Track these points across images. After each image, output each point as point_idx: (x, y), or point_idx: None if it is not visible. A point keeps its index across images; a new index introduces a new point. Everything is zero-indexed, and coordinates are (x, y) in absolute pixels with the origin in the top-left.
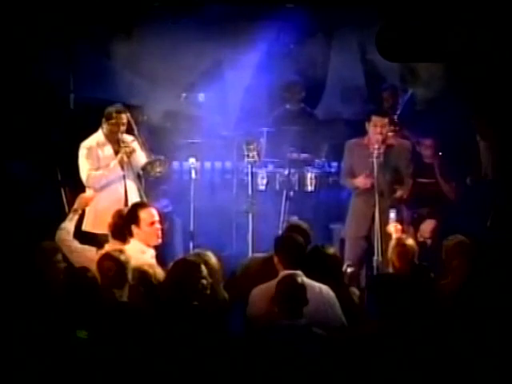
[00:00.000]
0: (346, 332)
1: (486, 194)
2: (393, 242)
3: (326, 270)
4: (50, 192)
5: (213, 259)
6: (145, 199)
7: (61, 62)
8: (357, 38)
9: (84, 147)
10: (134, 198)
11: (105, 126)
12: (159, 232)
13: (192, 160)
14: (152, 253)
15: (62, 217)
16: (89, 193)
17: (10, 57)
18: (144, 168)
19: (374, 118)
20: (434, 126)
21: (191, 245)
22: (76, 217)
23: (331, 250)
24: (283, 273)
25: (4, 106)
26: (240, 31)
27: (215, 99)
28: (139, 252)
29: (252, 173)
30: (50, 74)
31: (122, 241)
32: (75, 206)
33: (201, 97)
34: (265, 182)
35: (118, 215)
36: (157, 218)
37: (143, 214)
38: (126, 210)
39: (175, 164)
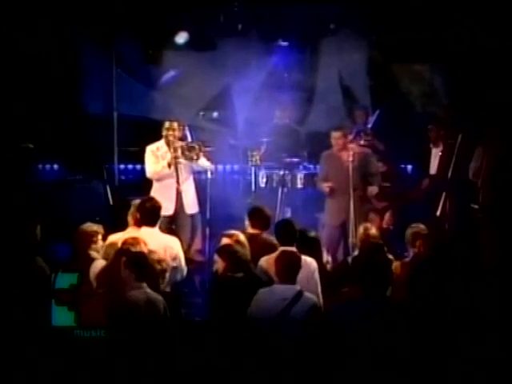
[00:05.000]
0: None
1: (436, 189)
2: (360, 230)
3: (309, 246)
4: (98, 188)
5: (241, 237)
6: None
7: (106, 87)
8: (338, 68)
9: (148, 150)
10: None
11: (163, 133)
12: None
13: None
14: None
15: (108, 207)
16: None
17: (69, 82)
18: (182, 152)
19: (333, 133)
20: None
21: (208, 230)
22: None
23: (312, 233)
24: (281, 248)
25: (64, 121)
26: (246, 63)
27: (226, 116)
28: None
29: (255, 173)
30: (99, 97)
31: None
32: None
33: (215, 114)
34: (265, 180)
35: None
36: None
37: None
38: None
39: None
